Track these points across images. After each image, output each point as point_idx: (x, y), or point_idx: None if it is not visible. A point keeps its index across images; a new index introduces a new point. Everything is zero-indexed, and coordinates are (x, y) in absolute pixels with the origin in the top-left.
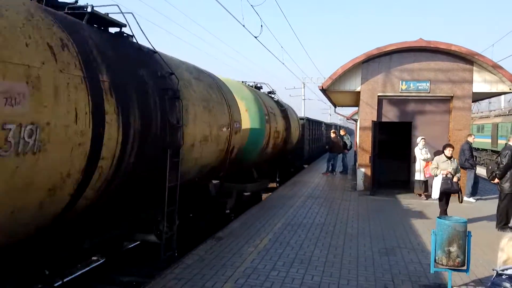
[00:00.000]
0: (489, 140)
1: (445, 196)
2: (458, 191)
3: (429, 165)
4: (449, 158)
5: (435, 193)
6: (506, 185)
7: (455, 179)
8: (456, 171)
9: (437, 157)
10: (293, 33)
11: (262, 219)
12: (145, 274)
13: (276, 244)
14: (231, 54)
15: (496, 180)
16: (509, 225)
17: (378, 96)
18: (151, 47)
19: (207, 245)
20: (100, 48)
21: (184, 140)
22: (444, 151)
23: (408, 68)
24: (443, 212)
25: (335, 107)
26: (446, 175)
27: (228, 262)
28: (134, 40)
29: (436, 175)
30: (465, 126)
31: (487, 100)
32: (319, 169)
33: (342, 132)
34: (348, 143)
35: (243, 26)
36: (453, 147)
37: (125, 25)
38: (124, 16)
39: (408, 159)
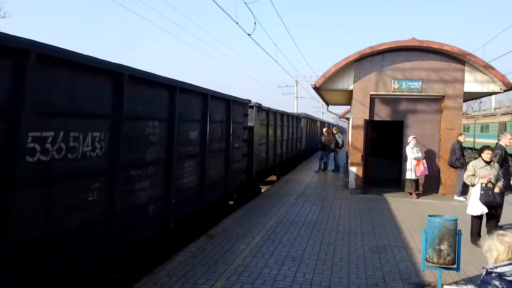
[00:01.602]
0: (495, 141)
1: (484, 211)
2: (501, 203)
3: (420, 164)
4: (488, 163)
5: (473, 208)
6: None
7: (496, 189)
8: (497, 178)
9: (473, 162)
10: (286, 31)
11: (255, 217)
12: None
13: (268, 241)
14: (222, 50)
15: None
16: (498, 223)
17: (371, 95)
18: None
19: (199, 242)
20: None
21: None
22: (482, 154)
23: (401, 67)
24: (476, 234)
25: (328, 105)
26: (486, 184)
27: (220, 259)
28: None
29: (473, 185)
30: (456, 126)
31: (477, 100)
32: (311, 168)
33: (334, 131)
34: (340, 142)
35: (237, 23)
36: (492, 150)
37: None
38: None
39: (399, 158)
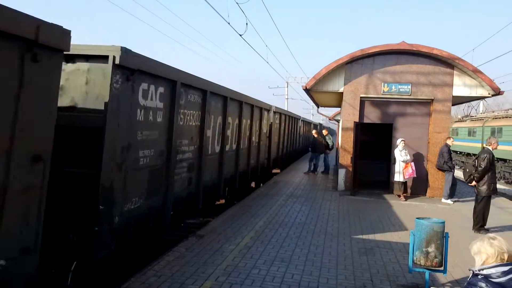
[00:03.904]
0: (510, 148)
1: None
2: None
3: (408, 166)
4: None
5: None
6: (483, 188)
7: None
8: None
9: None
10: (278, 32)
11: (244, 217)
12: None
13: (258, 242)
14: (213, 49)
15: (474, 183)
16: (485, 227)
17: (361, 97)
18: None
19: (188, 242)
20: None
21: None
22: None
23: (391, 70)
24: None
25: (318, 107)
26: None
27: (209, 259)
28: None
29: None
30: (444, 129)
31: (465, 104)
32: (301, 169)
33: (324, 132)
34: (330, 143)
35: (228, 23)
36: None
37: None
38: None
39: (388, 160)
